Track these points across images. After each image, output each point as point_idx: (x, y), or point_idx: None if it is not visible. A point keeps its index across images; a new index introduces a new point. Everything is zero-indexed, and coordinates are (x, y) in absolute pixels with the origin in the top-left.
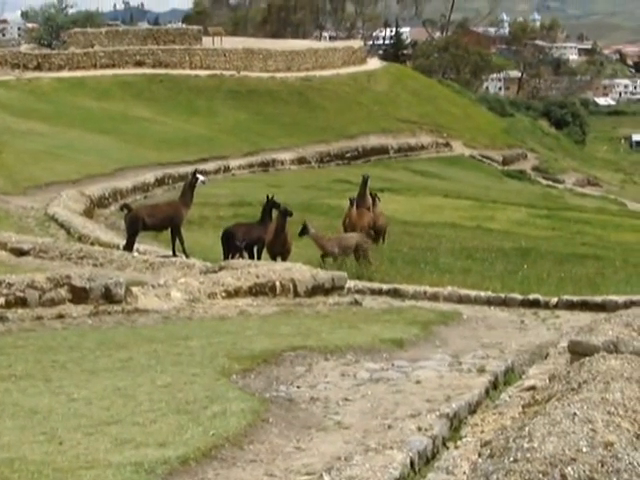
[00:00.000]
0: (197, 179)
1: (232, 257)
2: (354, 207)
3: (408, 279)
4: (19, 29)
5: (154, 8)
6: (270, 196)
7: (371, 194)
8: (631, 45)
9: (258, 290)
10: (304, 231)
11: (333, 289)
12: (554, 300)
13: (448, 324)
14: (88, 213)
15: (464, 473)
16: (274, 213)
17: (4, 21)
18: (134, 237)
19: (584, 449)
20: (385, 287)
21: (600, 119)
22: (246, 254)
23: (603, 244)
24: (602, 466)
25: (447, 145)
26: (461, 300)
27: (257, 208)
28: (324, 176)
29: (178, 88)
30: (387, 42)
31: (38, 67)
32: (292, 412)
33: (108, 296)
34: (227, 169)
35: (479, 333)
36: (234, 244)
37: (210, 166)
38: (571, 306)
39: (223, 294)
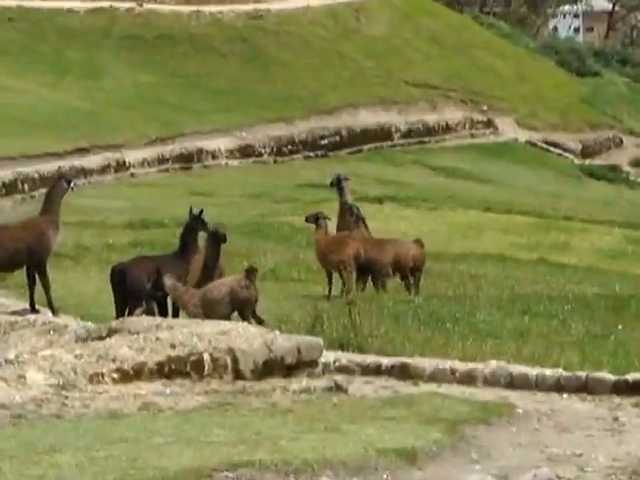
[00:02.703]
0: (70, 185)
1: (131, 313)
2: (324, 229)
3: (425, 348)
4: None
5: None
6: (196, 211)
7: (346, 206)
8: None
9: (174, 369)
10: (157, 284)
11: (300, 366)
12: None
13: (491, 424)
14: None
15: None
16: (201, 239)
17: None
18: None
19: None
20: (387, 362)
21: None
22: (155, 307)
23: None
24: None
25: (489, 124)
26: (513, 383)
27: (173, 231)
28: (284, 177)
29: (39, 32)
30: None
31: None
32: None
33: None
34: (122, 166)
35: (544, 438)
36: (134, 291)
37: (93, 161)
38: None
39: (115, 375)
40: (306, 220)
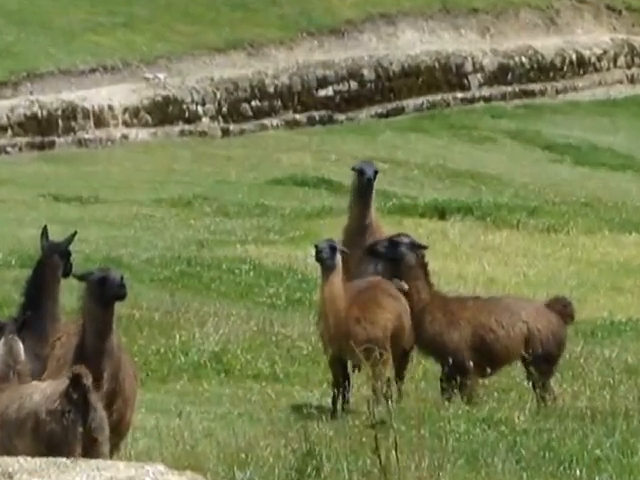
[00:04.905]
0: None
1: None
2: (335, 275)
3: None
4: None
5: None
6: (59, 236)
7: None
8: None
9: None
10: None
11: None
12: None
13: None
14: None
15: None
16: (73, 290)
17: None
18: None
19: None
20: None
21: None
22: None
23: None
24: None
25: None
26: None
27: (14, 275)
28: (244, 165)
29: None
30: None
31: None
32: None
33: None
34: None
35: None
36: None
37: None
38: None
39: None
40: (317, 256)
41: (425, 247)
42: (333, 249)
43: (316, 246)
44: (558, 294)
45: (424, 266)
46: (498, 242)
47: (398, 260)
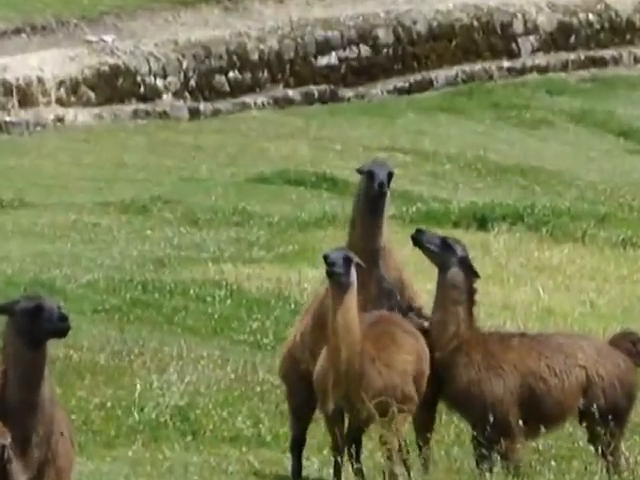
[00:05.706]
0: None
1: None
2: (350, 296)
3: None
4: None
5: None
6: None
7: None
8: None
9: None
10: None
11: None
12: None
13: None
14: None
15: None
16: None
17: None
18: None
19: None
20: None
21: None
22: None
23: None
24: None
25: None
26: None
27: None
28: (218, 157)
29: None
30: None
31: None
32: None
33: None
34: None
35: None
36: None
37: None
38: None
39: None
40: (329, 271)
41: (477, 276)
42: (348, 262)
43: (326, 257)
44: (627, 328)
45: (472, 292)
46: (557, 260)
47: (442, 269)
